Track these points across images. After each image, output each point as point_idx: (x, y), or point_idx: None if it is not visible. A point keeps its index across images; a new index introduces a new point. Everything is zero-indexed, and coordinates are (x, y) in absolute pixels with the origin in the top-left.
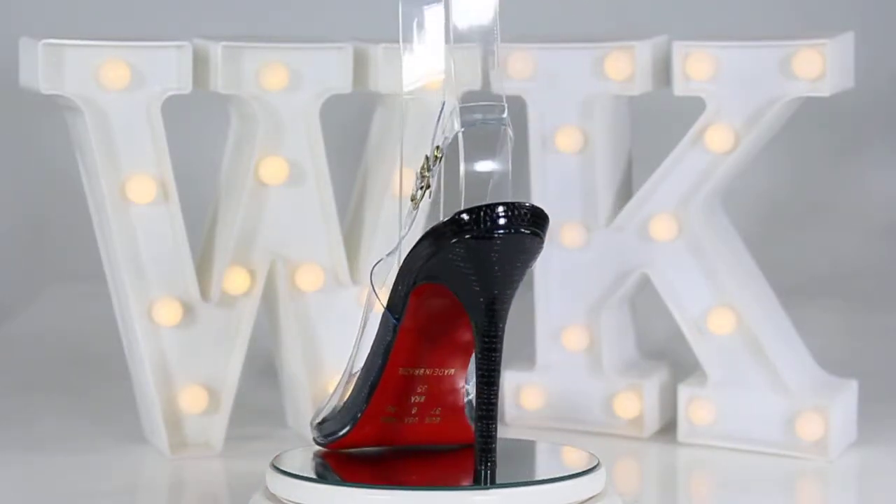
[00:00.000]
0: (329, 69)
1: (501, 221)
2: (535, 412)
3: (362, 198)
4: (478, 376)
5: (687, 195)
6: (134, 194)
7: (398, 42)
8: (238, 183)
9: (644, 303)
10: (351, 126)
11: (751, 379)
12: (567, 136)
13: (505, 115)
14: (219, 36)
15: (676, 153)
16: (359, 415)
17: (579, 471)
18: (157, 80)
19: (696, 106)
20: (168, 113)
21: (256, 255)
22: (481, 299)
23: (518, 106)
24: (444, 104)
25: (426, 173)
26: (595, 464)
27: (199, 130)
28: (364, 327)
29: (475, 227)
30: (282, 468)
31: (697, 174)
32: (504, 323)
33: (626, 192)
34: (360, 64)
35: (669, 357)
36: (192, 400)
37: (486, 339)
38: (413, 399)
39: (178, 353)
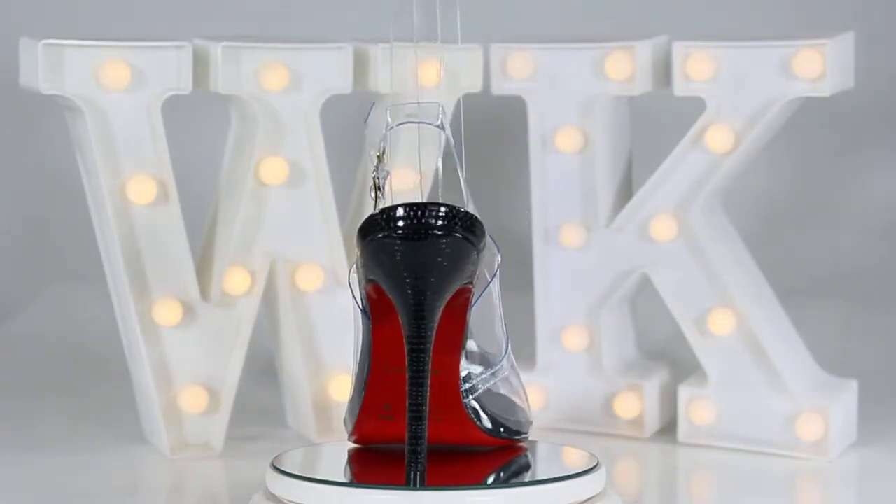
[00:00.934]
0: (329, 69)
1: (434, 222)
2: (535, 412)
3: (362, 198)
4: (407, 378)
5: (687, 195)
6: (134, 194)
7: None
8: (238, 183)
9: (644, 303)
10: (351, 126)
11: (751, 379)
12: (567, 136)
13: (439, 116)
14: (219, 36)
15: (676, 153)
16: (356, 412)
17: (579, 471)
18: (157, 80)
19: (696, 106)
20: (168, 113)
21: (256, 255)
22: (410, 300)
23: (518, 106)
24: (372, 105)
25: (373, 174)
26: (595, 464)
27: (199, 130)
28: (356, 326)
29: (406, 225)
30: (282, 468)
31: (697, 174)
32: (432, 324)
33: (626, 192)
34: (360, 64)
35: (669, 357)
36: (192, 400)
37: (413, 341)
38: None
39: (178, 353)
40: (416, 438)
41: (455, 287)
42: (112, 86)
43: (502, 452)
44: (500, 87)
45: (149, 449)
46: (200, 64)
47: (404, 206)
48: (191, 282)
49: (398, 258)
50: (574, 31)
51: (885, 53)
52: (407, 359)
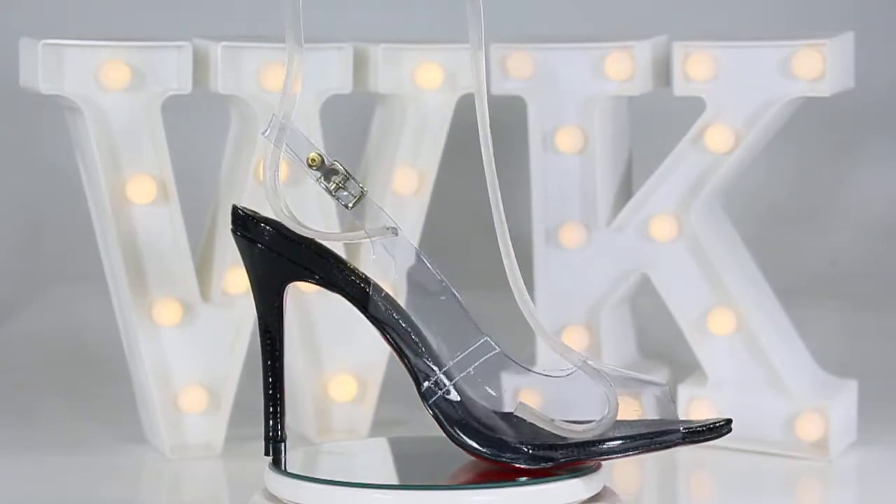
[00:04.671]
0: (329, 69)
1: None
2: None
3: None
4: None
5: (687, 195)
6: (134, 194)
7: (401, 41)
8: (238, 183)
9: (644, 303)
10: (351, 126)
11: (751, 379)
12: (567, 136)
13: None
14: (219, 36)
15: (676, 153)
16: None
17: (579, 470)
18: (157, 80)
19: (696, 106)
20: (168, 113)
21: None
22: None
23: (518, 106)
24: (272, 116)
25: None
26: (595, 463)
27: (199, 130)
28: None
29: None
30: (282, 468)
31: (697, 174)
32: (263, 313)
33: (626, 192)
34: (360, 64)
35: (669, 357)
36: (192, 400)
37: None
38: None
39: (178, 353)
40: (266, 420)
41: (273, 280)
42: (112, 86)
43: None
44: (500, 87)
45: (149, 449)
46: (200, 64)
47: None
48: (191, 282)
49: None
50: (574, 31)
51: (885, 53)
52: None
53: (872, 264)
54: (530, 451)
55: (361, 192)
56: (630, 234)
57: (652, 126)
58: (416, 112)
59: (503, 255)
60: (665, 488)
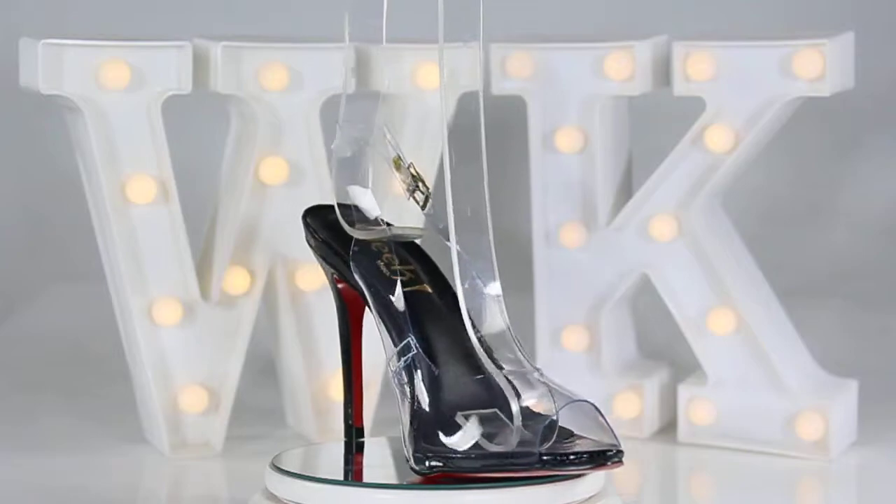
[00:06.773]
0: (329, 69)
1: None
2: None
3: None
4: None
5: (687, 195)
6: (134, 194)
7: (395, 41)
8: (238, 183)
9: (644, 303)
10: None
11: (751, 379)
12: (567, 136)
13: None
14: (219, 36)
15: (676, 153)
16: None
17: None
18: (157, 80)
19: (696, 106)
20: (168, 113)
21: (256, 255)
22: None
23: (518, 106)
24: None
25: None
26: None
27: (199, 130)
28: None
29: None
30: (282, 468)
31: (697, 174)
32: (338, 314)
33: (626, 192)
34: (360, 64)
35: (669, 357)
36: (192, 400)
37: None
38: None
39: (178, 353)
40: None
41: (327, 276)
42: (112, 86)
43: None
44: (500, 87)
45: (149, 449)
46: (200, 64)
47: None
48: (191, 282)
49: None
50: (574, 31)
51: (885, 53)
52: None
53: (872, 264)
54: (419, 461)
55: (428, 192)
56: (630, 234)
57: (652, 126)
58: (417, 112)
59: (451, 249)
60: (665, 488)
